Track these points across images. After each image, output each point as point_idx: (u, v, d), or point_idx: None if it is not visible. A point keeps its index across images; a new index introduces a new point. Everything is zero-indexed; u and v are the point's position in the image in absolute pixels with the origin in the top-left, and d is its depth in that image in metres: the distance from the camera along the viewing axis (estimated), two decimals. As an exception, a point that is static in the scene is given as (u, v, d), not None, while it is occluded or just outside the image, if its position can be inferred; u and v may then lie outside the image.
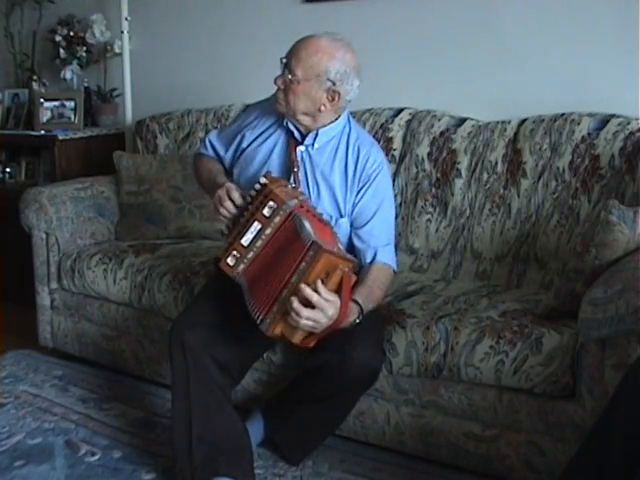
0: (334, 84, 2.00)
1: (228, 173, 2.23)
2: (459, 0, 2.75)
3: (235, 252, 1.93)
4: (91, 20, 3.60)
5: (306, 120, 2.07)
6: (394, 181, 2.67)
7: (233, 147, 2.22)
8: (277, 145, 2.14)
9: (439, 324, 2.06)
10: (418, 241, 2.61)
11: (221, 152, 2.27)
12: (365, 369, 1.96)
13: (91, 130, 3.62)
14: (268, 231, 1.90)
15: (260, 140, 2.16)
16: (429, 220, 2.60)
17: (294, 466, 2.17)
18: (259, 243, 1.91)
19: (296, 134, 2.11)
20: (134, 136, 3.39)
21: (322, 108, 2.04)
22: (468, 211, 2.54)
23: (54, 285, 2.94)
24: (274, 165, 2.12)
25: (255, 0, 3.22)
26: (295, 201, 1.92)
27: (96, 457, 2.24)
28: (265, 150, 2.15)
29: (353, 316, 1.90)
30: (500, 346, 1.95)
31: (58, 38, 3.66)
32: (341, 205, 2.09)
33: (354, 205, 2.10)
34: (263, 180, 1.95)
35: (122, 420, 2.47)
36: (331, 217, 2.08)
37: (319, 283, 1.78)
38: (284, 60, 2.03)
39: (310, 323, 1.78)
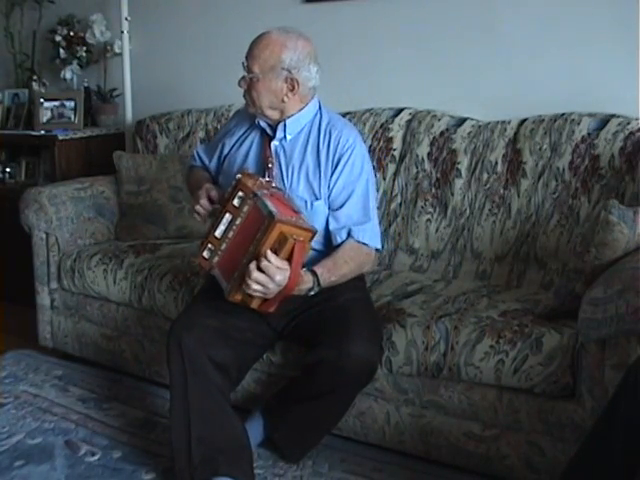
0: (290, 72, 2.05)
1: (215, 181, 2.28)
2: (459, 0, 2.75)
3: (210, 245, 2.00)
4: (91, 20, 3.60)
5: (274, 114, 2.12)
6: (394, 181, 2.68)
7: (216, 155, 2.30)
8: (253, 145, 2.20)
9: (439, 323, 2.06)
10: (418, 241, 2.61)
11: (206, 162, 2.36)
12: (362, 365, 1.97)
13: (91, 130, 3.62)
14: (238, 221, 1.95)
15: (238, 144, 2.23)
16: (429, 220, 2.60)
17: (293, 464, 2.17)
18: (230, 234, 1.96)
19: (268, 130, 2.16)
20: (134, 136, 3.39)
21: (285, 99, 2.08)
22: (468, 211, 2.54)
23: (54, 285, 2.94)
24: (251, 164, 2.17)
25: (255, 0, 3.23)
26: (265, 191, 1.95)
27: (96, 457, 2.24)
28: (243, 152, 2.21)
29: (306, 284, 1.94)
30: (500, 346, 1.95)
31: (58, 38, 3.66)
32: (315, 189, 2.11)
33: (329, 187, 2.12)
34: (238, 176, 2.01)
35: (122, 420, 2.47)
36: (306, 202, 2.10)
37: (268, 251, 1.84)
38: (244, 62, 2.09)
39: (259, 287, 1.85)
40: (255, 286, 1.84)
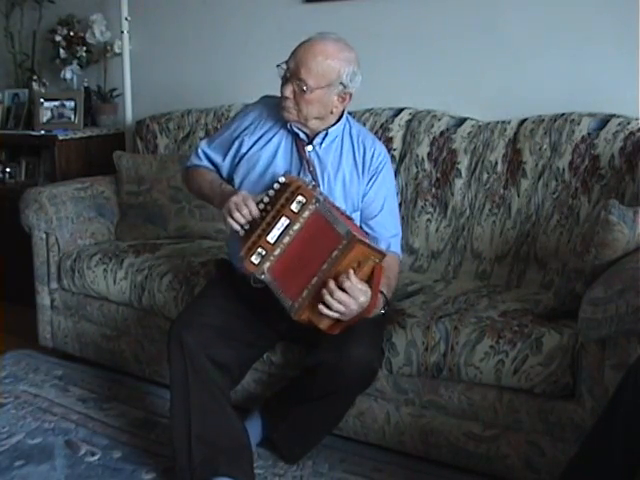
0: (345, 87, 2.02)
1: (226, 181, 2.19)
2: (459, 0, 2.75)
3: (260, 250, 1.90)
4: (91, 20, 3.60)
5: (316, 124, 2.08)
6: (394, 181, 2.68)
7: (231, 153, 2.18)
8: (281, 147, 2.13)
9: (439, 324, 2.06)
10: (418, 241, 2.61)
11: (217, 160, 2.22)
12: (363, 368, 1.96)
13: (91, 130, 3.62)
14: (296, 227, 1.88)
15: (261, 143, 2.14)
16: (429, 220, 2.60)
17: (293, 465, 2.17)
18: (286, 240, 1.89)
19: (302, 135, 2.11)
20: (134, 136, 3.39)
21: (334, 110, 2.06)
22: (468, 211, 2.54)
23: (54, 285, 2.94)
24: (279, 167, 2.11)
25: (255, 0, 3.22)
26: (321, 197, 1.92)
27: (96, 457, 2.24)
28: (268, 152, 2.13)
29: (380, 306, 1.92)
30: (500, 346, 1.95)
31: (58, 38, 3.66)
32: (354, 199, 2.11)
33: (364, 197, 2.12)
34: (282, 179, 1.95)
35: (122, 420, 2.47)
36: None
37: (351, 271, 1.78)
38: (285, 67, 2.02)
39: (341, 307, 1.78)
40: (337, 306, 1.78)
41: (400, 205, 2.65)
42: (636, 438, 1.44)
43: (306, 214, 1.88)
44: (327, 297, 1.78)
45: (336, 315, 1.80)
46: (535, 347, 1.92)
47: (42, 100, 3.62)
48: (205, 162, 2.26)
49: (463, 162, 2.57)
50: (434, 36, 2.80)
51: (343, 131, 2.14)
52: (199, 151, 2.26)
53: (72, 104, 3.60)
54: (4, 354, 2.99)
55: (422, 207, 2.62)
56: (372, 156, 2.12)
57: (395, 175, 2.67)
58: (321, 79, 1.98)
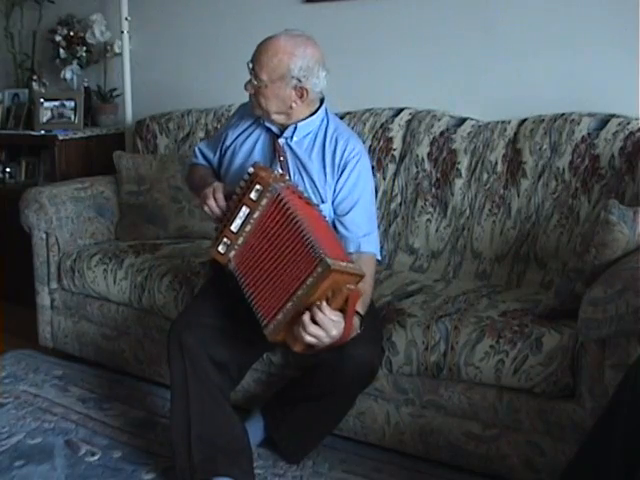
0: (300, 81, 2.03)
1: (219, 177, 2.25)
2: (459, 0, 2.75)
3: (225, 239, 1.95)
4: (91, 20, 3.60)
5: (280, 118, 2.11)
6: (394, 181, 2.68)
7: (219, 148, 2.27)
8: (259, 141, 2.19)
9: (439, 323, 2.06)
10: (418, 241, 2.61)
11: (210, 156, 2.32)
12: (363, 367, 1.96)
13: (91, 130, 3.62)
14: (256, 215, 1.91)
15: (242, 137, 2.21)
16: (429, 220, 2.60)
17: (294, 465, 2.17)
18: (248, 228, 1.92)
19: (274, 129, 2.15)
20: (134, 136, 3.39)
21: (293, 105, 2.07)
22: (468, 211, 2.54)
23: (54, 285, 2.94)
24: (257, 159, 2.15)
25: (255, 0, 3.23)
26: (282, 184, 1.93)
27: (96, 457, 2.24)
28: (248, 146, 2.20)
29: (356, 331, 1.91)
30: (500, 346, 1.95)
31: (58, 38, 3.66)
32: (321, 191, 2.11)
33: (335, 192, 2.11)
34: (251, 170, 1.97)
35: (122, 420, 2.47)
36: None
37: (324, 303, 1.79)
38: (250, 65, 2.06)
39: (313, 340, 1.80)
40: (309, 338, 1.79)
41: (400, 205, 2.65)
42: (636, 438, 1.43)
43: (264, 202, 1.90)
44: (299, 329, 1.79)
45: (309, 343, 1.82)
46: (535, 347, 1.92)
47: (42, 100, 3.62)
48: (201, 160, 2.36)
49: (463, 162, 2.57)
50: (434, 36, 2.80)
51: (319, 127, 2.15)
52: (196, 150, 2.38)
53: (72, 104, 3.60)
54: (4, 354, 2.99)
55: (422, 207, 2.62)
56: (344, 150, 2.11)
57: (395, 175, 2.68)
58: (272, 73, 2.02)
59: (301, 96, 2.05)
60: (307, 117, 2.12)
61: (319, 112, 2.14)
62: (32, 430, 2.40)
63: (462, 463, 2.09)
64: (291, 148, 2.14)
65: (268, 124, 2.15)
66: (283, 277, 1.84)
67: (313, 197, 2.10)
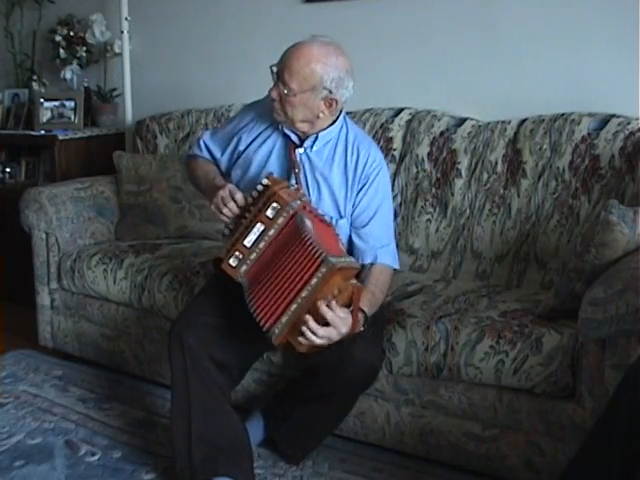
0: (330, 92, 1.99)
1: (224, 175, 2.22)
2: (459, 0, 2.75)
3: (237, 253, 1.93)
4: (91, 20, 3.60)
5: (304, 127, 2.07)
6: (394, 181, 2.67)
7: (230, 149, 2.21)
8: (275, 148, 2.14)
9: (439, 324, 2.06)
10: (418, 241, 2.61)
11: (217, 154, 2.25)
12: (364, 368, 1.96)
13: (91, 130, 3.62)
14: (271, 232, 1.90)
15: (258, 142, 2.16)
16: (429, 220, 2.60)
17: (294, 466, 2.17)
18: (262, 245, 1.91)
19: (293, 137, 2.11)
20: (134, 136, 3.39)
21: (320, 115, 2.03)
22: (468, 211, 2.54)
23: (54, 285, 2.94)
24: (273, 167, 2.11)
25: (255, 0, 3.22)
26: (298, 202, 1.92)
27: (96, 457, 2.24)
28: (263, 153, 2.14)
29: (360, 326, 1.91)
30: (500, 346, 1.95)
31: (58, 38, 3.66)
32: (341, 206, 2.09)
33: (354, 205, 2.10)
34: (265, 181, 1.95)
35: (122, 420, 2.47)
36: (331, 218, 2.08)
37: (333, 302, 1.80)
38: (274, 69, 2.02)
39: (325, 341, 1.81)
40: (320, 342, 1.80)
41: (400, 205, 2.65)
42: (636, 438, 1.43)
43: (281, 220, 1.89)
44: (309, 334, 1.79)
45: (320, 345, 1.83)
46: (535, 347, 1.92)
47: (42, 100, 3.62)
48: (205, 153, 2.29)
49: (463, 162, 2.57)
50: (434, 36, 2.80)
51: (339, 135, 2.12)
52: (201, 142, 2.29)
53: (72, 104, 3.60)
54: (4, 354, 2.99)
55: (422, 207, 2.62)
56: (365, 163, 2.09)
57: (395, 175, 2.68)
58: (303, 83, 1.97)
59: (330, 106, 2.02)
60: (329, 126, 2.09)
61: (339, 120, 2.11)
62: (32, 430, 2.40)
63: (462, 463, 2.09)
64: (310, 159, 2.10)
65: (288, 132, 2.10)
66: (286, 281, 1.84)
67: (332, 210, 2.08)
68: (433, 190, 2.61)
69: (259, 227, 1.91)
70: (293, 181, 2.07)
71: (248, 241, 1.92)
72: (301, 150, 2.11)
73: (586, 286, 1.88)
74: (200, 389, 1.99)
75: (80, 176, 3.28)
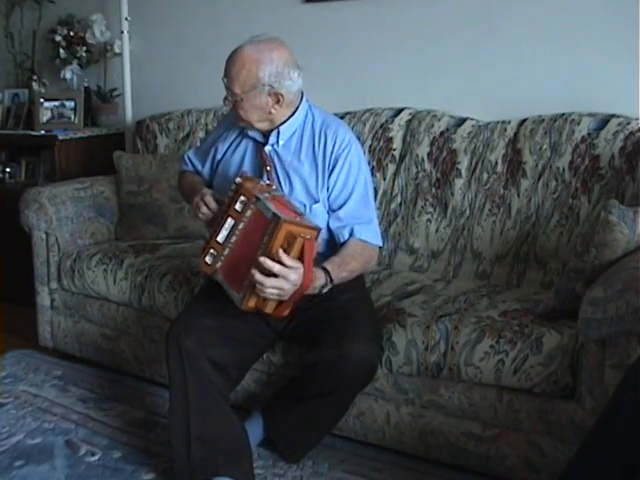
0: (272, 87, 2.03)
1: (208, 185, 2.26)
2: (459, 0, 2.75)
3: (212, 250, 1.98)
4: (91, 20, 3.60)
5: (264, 125, 2.12)
6: (394, 181, 2.68)
7: (209, 160, 2.29)
8: (247, 151, 2.19)
9: (439, 323, 2.06)
10: (418, 241, 2.61)
11: (199, 167, 2.34)
12: (363, 365, 1.97)
13: (91, 130, 3.62)
14: (241, 226, 1.94)
15: (231, 150, 2.22)
16: (429, 220, 2.60)
17: (293, 465, 2.17)
18: (233, 239, 1.95)
19: (258, 138, 2.16)
20: (134, 136, 3.39)
21: (272, 111, 2.07)
22: (468, 211, 2.54)
23: (54, 285, 2.94)
24: (247, 170, 2.16)
25: (255, 0, 3.22)
26: (266, 195, 1.94)
27: (96, 457, 2.24)
28: (237, 158, 2.21)
29: (319, 281, 1.93)
30: (500, 346, 1.95)
31: (58, 38, 3.66)
32: (313, 191, 2.11)
33: (329, 189, 2.12)
34: (238, 180, 2.00)
35: (122, 420, 2.47)
36: (305, 205, 2.10)
37: (281, 252, 1.83)
38: (224, 80, 2.07)
39: (275, 291, 1.84)
40: (271, 290, 1.83)
41: (400, 205, 2.65)
42: (636, 438, 1.43)
43: (248, 213, 1.93)
44: (259, 287, 1.83)
45: (273, 297, 1.86)
46: (535, 347, 1.92)
47: (42, 100, 3.62)
48: (190, 167, 2.39)
49: (463, 162, 2.57)
50: (434, 36, 2.80)
51: (304, 124, 2.14)
52: (185, 157, 2.40)
53: (72, 104, 3.60)
54: (4, 354, 2.99)
55: (422, 207, 2.62)
56: (334, 145, 2.11)
57: (395, 175, 2.68)
58: (244, 85, 2.02)
59: (277, 101, 2.05)
60: (289, 118, 2.12)
61: (300, 109, 2.13)
62: (32, 430, 2.40)
63: (462, 463, 2.09)
64: (278, 154, 2.14)
65: (252, 134, 2.16)
66: (248, 253, 1.89)
67: (305, 198, 2.10)
68: (433, 190, 2.61)
69: (230, 222, 1.96)
70: (265, 178, 2.11)
71: (221, 237, 1.97)
72: (268, 147, 2.14)
73: (586, 286, 1.88)
74: (198, 390, 1.99)
75: (80, 176, 3.28)
